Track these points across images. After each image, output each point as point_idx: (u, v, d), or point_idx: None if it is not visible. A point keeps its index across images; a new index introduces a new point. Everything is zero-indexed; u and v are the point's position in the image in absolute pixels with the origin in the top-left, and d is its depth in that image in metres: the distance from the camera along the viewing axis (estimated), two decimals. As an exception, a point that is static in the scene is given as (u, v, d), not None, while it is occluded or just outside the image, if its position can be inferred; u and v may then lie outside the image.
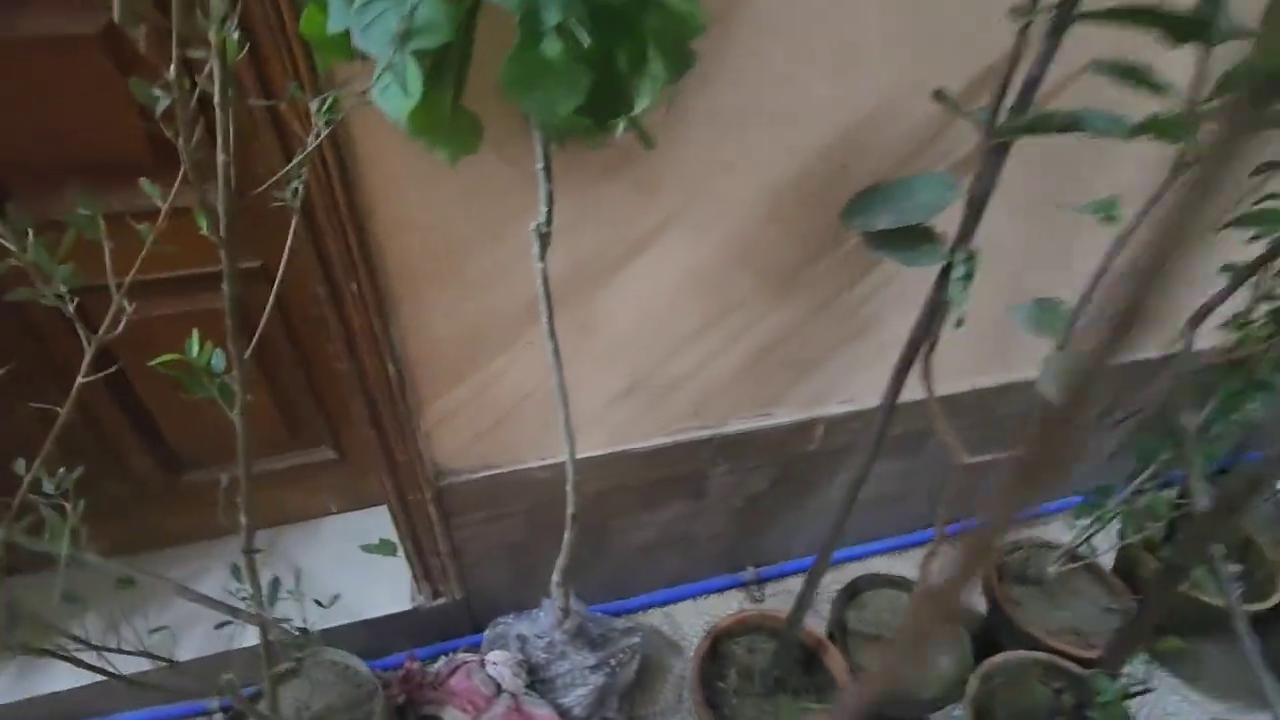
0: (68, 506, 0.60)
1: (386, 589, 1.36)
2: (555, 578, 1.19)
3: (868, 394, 1.35)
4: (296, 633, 0.78)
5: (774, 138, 0.92)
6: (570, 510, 1.09)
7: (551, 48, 0.54)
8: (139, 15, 0.39)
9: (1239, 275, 0.82)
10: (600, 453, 1.24)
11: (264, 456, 1.33)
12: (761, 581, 1.62)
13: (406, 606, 1.34)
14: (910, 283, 1.16)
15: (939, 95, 0.72)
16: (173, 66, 0.40)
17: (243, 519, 0.73)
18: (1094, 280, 0.68)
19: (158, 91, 0.41)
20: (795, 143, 0.93)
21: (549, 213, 0.83)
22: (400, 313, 0.95)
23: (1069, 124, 0.62)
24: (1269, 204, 0.78)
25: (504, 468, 1.19)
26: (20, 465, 0.57)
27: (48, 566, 0.63)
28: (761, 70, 0.86)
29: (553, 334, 0.91)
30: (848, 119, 0.92)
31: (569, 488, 1.06)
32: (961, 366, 1.38)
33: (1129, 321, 0.18)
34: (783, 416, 1.32)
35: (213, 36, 0.42)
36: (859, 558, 1.66)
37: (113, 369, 0.58)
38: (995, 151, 0.75)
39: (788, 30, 0.85)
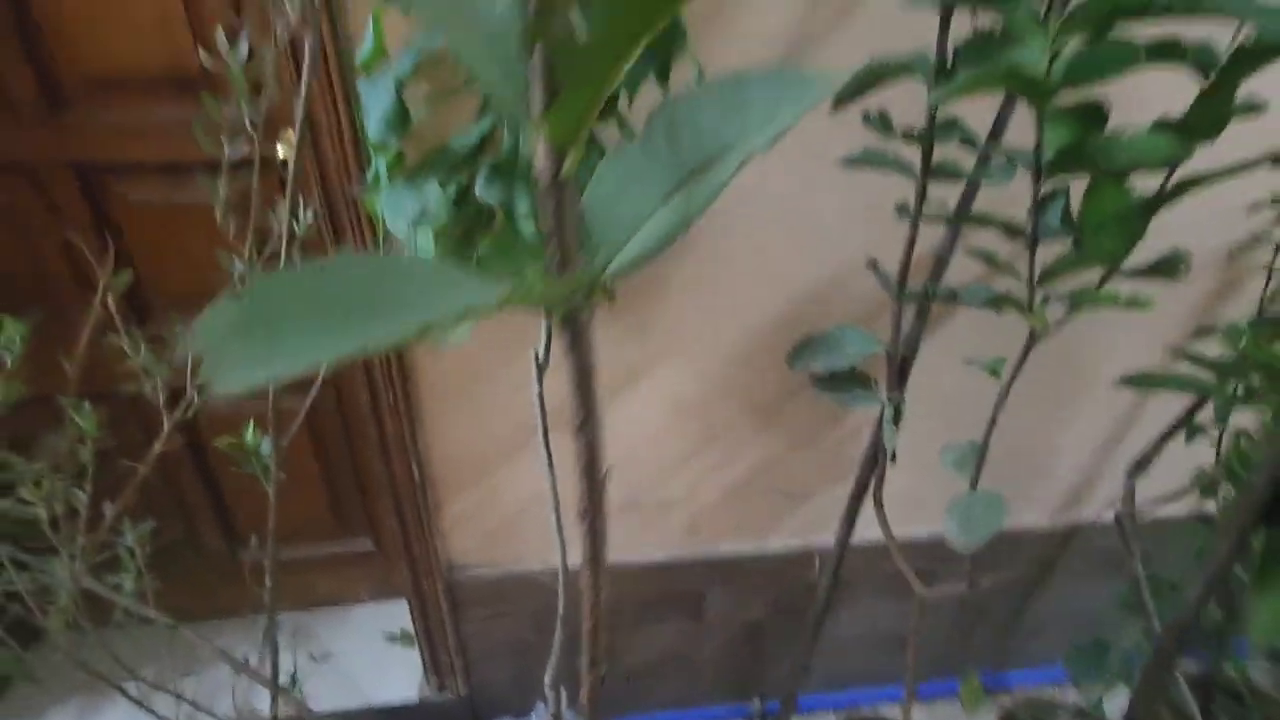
0: (138, 551, 0.77)
1: (401, 679, 1.46)
2: (547, 679, 1.26)
3: (863, 528, 1.39)
4: (289, 683, 0.90)
5: (747, 295, 1.08)
6: (560, 611, 1.18)
7: (525, 228, 0.73)
8: (231, 215, 0.60)
9: (1177, 425, 0.87)
10: (600, 563, 1.33)
11: (310, 542, 1.50)
12: (767, 715, 1.60)
13: (414, 698, 1.43)
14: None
15: (871, 265, 0.86)
16: (248, 247, 0.60)
17: (267, 581, 0.88)
18: (986, 429, 0.77)
19: (237, 261, 0.62)
20: (765, 300, 1.09)
21: (548, 346, 1.00)
22: (427, 422, 1.13)
23: (950, 296, 0.74)
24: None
25: (510, 568, 1.31)
26: (107, 510, 0.76)
27: (108, 623, 0.80)
28: (735, 243, 1.04)
29: (547, 449, 1.06)
30: (810, 284, 1.08)
31: (559, 588, 1.16)
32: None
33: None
34: (777, 544, 1.38)
35: (281, 224, 0.63)
36: (869, 701, 1.61)
37: (182, 444, 0.76)
38: (918, 314, 0.88)
39: (760, 212, 1.03)
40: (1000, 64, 0.58)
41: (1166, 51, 0.57)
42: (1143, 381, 0.72)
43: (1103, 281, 0.65)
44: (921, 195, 0.76)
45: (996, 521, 0.71)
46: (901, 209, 0.76)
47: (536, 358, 1.02)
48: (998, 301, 0.68)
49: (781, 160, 1.00)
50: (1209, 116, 0.55)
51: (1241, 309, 1.15)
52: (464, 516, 1.25)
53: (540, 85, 0.18)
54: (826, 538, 1.39)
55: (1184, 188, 0.57)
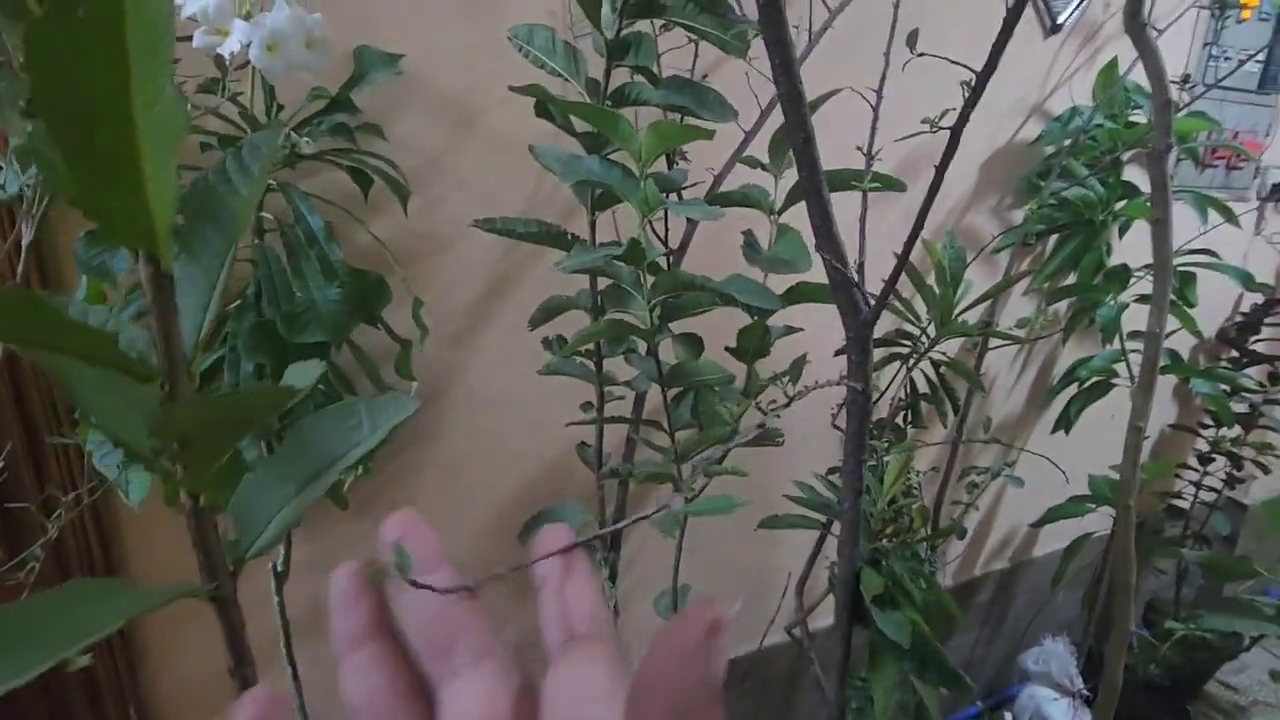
0: None
1: None
2: None
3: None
4: None
5: (491, 476, 1.21)
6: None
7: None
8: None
9: (816, 549, 1.12)
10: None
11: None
12: None
13: None
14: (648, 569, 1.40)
15: (579, 449, 1.04)
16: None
17: None
18: (673, 576, 0.95)
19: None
20: (506, 482, 1.22)
21: (286, 555, 1.02)
22: (148, 653, 1.05)
23: (627, 474, 0.94)
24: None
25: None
26: None
27: None
28: (473, 430, 1.18)
29: (291, 662, 1.04)
30: (543, 463, 1.24)
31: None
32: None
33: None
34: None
35: None
36: None
37: None
38: (620, 485, 1.07)
39: (497, 408, 1.18)
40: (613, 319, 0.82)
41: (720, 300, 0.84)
42: (771, 524, 0.95)
43: (723, 457, 0.88)
44: (601, 397, 0.96)
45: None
46: (585, 408, 0.95)
47: (274, 568, 1.03)
48: (657, 476, 0.88)
49: (510, 368, 1.18)
50: (753, 343, 0.81)
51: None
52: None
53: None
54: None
55: (755, 389, 0.82)
